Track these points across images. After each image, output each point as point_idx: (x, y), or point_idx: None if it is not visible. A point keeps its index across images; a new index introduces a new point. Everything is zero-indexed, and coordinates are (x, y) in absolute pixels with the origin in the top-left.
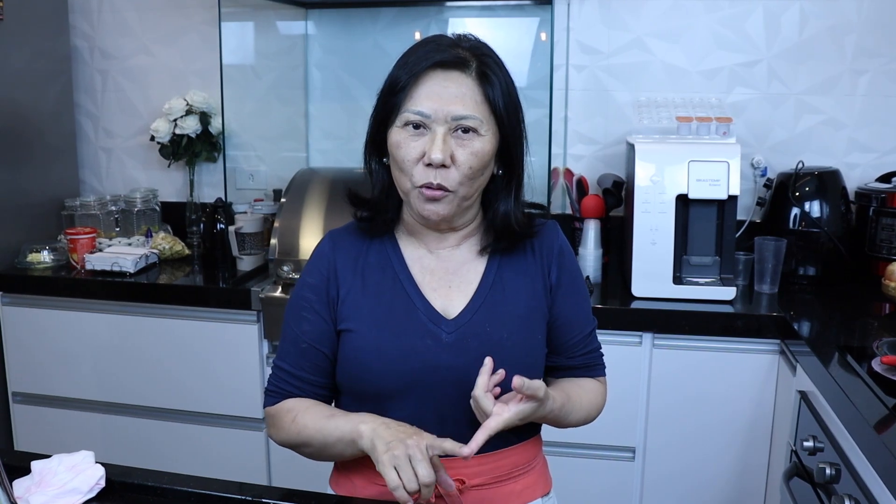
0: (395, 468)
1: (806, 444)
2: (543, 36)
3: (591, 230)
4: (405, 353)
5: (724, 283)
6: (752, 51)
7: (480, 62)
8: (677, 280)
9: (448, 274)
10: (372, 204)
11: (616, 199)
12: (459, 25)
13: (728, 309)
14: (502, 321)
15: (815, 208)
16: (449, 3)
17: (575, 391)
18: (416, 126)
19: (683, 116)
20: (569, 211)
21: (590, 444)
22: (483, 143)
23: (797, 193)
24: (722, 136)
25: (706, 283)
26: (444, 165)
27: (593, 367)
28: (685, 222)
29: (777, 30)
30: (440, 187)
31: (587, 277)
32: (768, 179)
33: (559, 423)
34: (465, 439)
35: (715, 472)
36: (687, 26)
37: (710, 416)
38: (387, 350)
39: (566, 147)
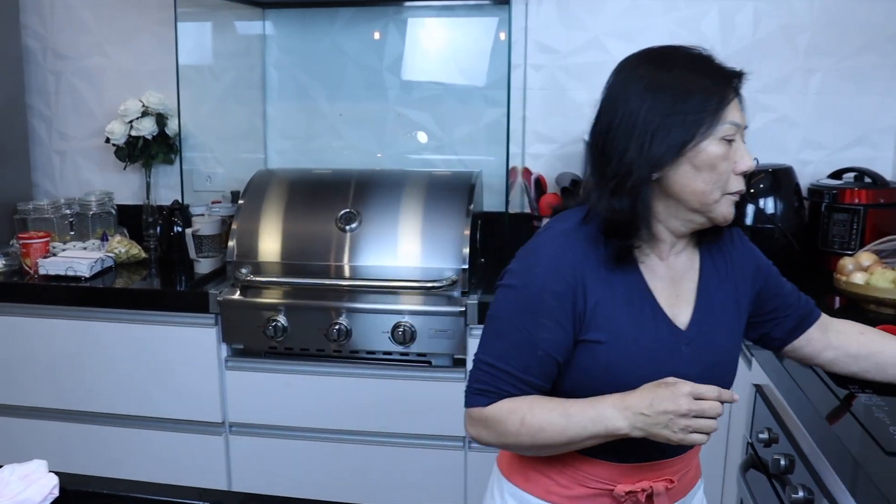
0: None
1: (761, 436)
2: (503, 35)
3: None
4: (655, 365)
5: None
6: (708, 49)
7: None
8: None
9: (674, 282)
10: (631, 227)
11: (574, 197)
12: (418, 25)
13: None
14: (723, 327)
15: (769, 205)
16: (408, 3)
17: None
18: (731, 136)
19: None
20: (527, 210)
21: None
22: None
23: (752, 190)
24: None
25: None
26: None
27: (812, 309)
28: None
29: (732, 30)
30: (739, 194)
31: None
32: None
33: None
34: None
35: None
36: (644, 26)
37: None
38: (639, 362)
39: (524, 146)
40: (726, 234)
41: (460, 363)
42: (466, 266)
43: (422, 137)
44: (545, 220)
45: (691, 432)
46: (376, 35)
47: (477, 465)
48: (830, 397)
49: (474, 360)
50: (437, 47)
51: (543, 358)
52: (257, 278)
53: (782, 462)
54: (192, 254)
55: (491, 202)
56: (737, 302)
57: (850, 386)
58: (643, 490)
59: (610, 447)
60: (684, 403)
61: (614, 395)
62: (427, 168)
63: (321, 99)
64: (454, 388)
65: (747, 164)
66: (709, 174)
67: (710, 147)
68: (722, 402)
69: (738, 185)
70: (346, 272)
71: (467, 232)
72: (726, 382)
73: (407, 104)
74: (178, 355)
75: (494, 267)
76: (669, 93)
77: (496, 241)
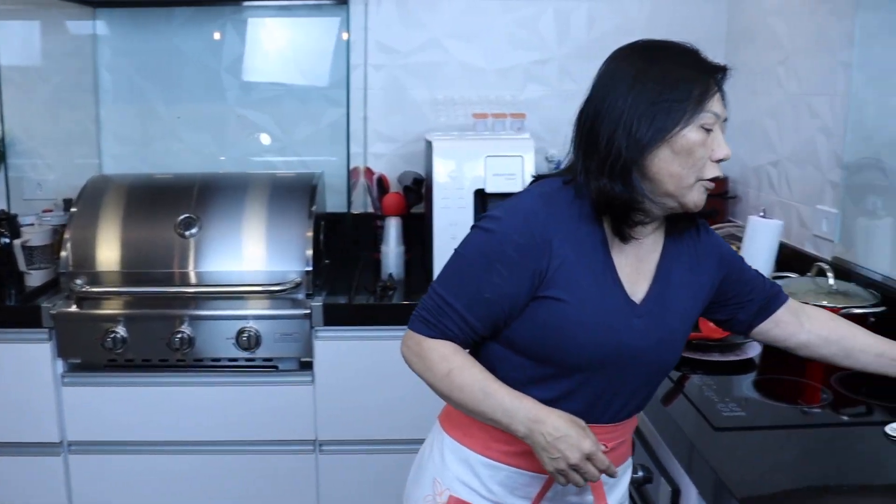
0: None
1: None
2: (345, 36)
3: (393, 228)
4: (606, 332)
5: None
6: (544, 50)
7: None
8: None
9: (638, 259)
10: (626, 207)
11: (416, 195)
12: (258, 25)
13: None
14: (676, 309)
15: None
16: (247, 3)
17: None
18: (710, 125)
19: (479, 113)
20: (370, 209)
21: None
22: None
23: None
24: (516, 131)
25: None
26: None
27: (777, 293)
28: None
29: (567, 30)
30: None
31: (390, 275)
32: None
33: None
34: (631, 405)
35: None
36: (482, 26)
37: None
38: (593, 326)
39: (366, 146)
40: (693, 227)
41: (307, 366)
42: (310, 268)
43: (264, 139)
44: (389, 220)
45: (560, 471)
46: (216, 35)
47: (328, 467)
48: (665, 380)
49: (430, 287)
50: (277, 47)
51: (490, 303)
52: (93, 289)
53: None
54: (22, 266)
55: (334, 203)
56: (694, 289)
57: (682, 368)
58: None
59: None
60: (575, 457)
61: (535, 403)
62: (269, 170)
63: (158, 101)
64: (302, 391)
65: (723, 153)
66: (686, 159)
67: (690, 134)
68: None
69: (714, 171)
70: (188, 279)
71: (310, 233)
72: (670, 361)
73: (247, 105)
74: (9, 374)
75: (339, 268)
76: (656, 82)
77: (340, 241)
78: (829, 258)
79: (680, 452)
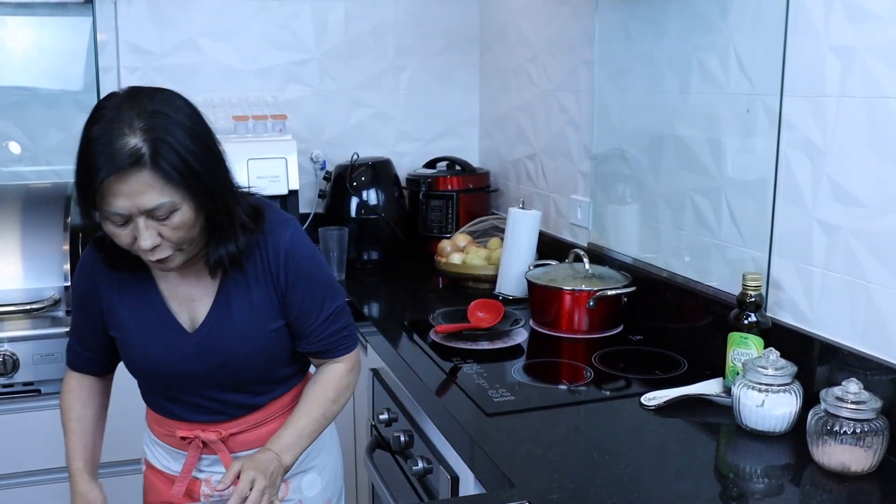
0: None
1: (381, 416)
2: (104, 37)
3: None
4: (163, 361)
5: None
6: (303, 49)
7: (154, 144)
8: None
9: (190, 288)
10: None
11: None
12: None
13: None
14: (235, 330)
15: (371, 196)
16: None
17: (309, 401)
18: (118, 221)
19: (239, 115)
20: None
21: None
22: (183, 214)
23: (354, 183)
24: (279, 132)
25: None
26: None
27: (333, 349)
28: None
29: (324, 30)
30: (161, 261)
31: None
32: (327, 172)
33: (325, 426)
34: (221, 408)
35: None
36: (238, 26)
37: None
38: (150, 357)
39: None
40: (261, 246)
41: None
42: (68, 283)
43: (14, 148)
44: None
45: None
46: None
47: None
48: (438, 372)
49: None
50: (21, 48)
51: (88, 336)
52: None
53: (402, 439)
54: None
55: None
56: (256, 307)
57: (453, 359)
58: (196, 437)
59: (168, 412)
60: None
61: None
62: (20, 181)
63: None
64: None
65: (145, 245)
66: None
67: (105, 224)
68: None
69: (145, 256)
70: None
71: (66, 247)
72: (241, 377)
73: None
74: None
75: None
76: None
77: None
78: (584, 244)
79: (456, 441)
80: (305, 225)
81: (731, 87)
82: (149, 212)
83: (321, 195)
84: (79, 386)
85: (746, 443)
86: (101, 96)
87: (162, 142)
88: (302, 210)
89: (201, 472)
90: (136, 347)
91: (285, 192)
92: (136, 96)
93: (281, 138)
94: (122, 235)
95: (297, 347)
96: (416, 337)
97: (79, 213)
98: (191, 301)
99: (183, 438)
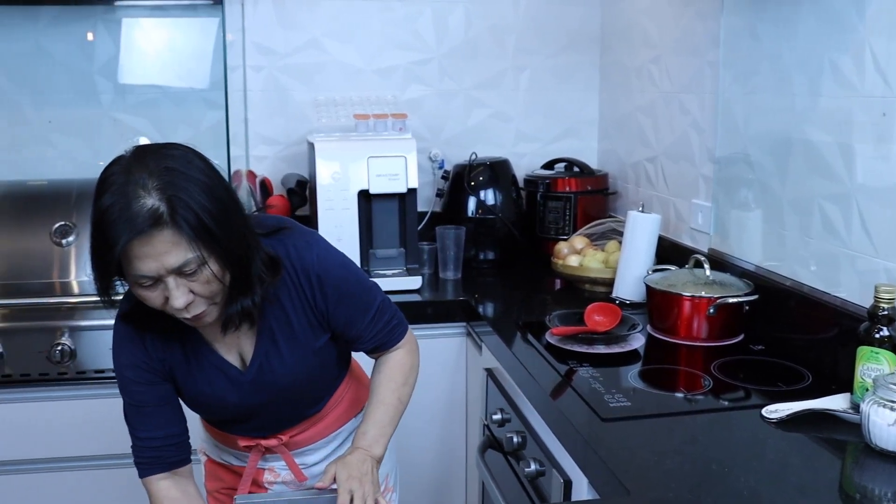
0: None
1: (495, 417)
2: (224, 37)
3: None
4: (223, 398)
5: (410, 273)
6: (423, 49)
7: (171, 202)
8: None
9: (230, 333)
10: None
11: (301, 198)
12: (133, 26)
13: (416, 297)
14: (286, 366)
15: (489, 196)
16: (119, 3)
17: (381, 391)
18: (147, 283)
19: (361, 114)
20: (254, 212)
21: None
22: (212, 267)
23: (472, 183)
24: (398, 131)
25: (393, 275)
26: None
27: (387, 342)
28: (369, 217)
29: (445, 30)
30: (196, 317)
31: None
32: (445, 171)
33: (402, 410)
34: (282, 425)
35: (418, 453)
36: (360, 26)
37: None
38: (211, 398)
39: (248, 149)
40: (291, 274)
41: None
42: None
43: (143, 143)
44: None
45: None
46: (89, 36)
47: None
48: (553, 374)
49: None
50: (153, 49)
51: (156, 415)
52: None
53: (515, 440)
54: None
55: None
56: (298, 334)
57: (569, 361)
58: (257, 445)
59: (227, 430)
60: None
61: None
62: None
63: (26, 105)
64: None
65: (178, 304)
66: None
67: (134, 289)
68: None
69: (177, 314)
70: (67, 289)
71: None
72: (299, 398)
73: (123, 109)
74: None
75: None
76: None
77: None
78: (705, 250)
79: (570, 445)
80: (422, 224)
81: (866, 89)
82: (177, 270)
83: (439, 194)
84: (168, 497)
85: (876, 463)
86: (229, 94)
87: (178, 199)
88: (420, 209)
89: (266, 462)
90: (196, 390)
91: (404, 190)
92: (143, 157)
93: (401, 137)
94: (152, 297)
95: (351, 349)
96: (531, 338)
97: (97, 290)
98: (236, 339)
99: (244, 447)
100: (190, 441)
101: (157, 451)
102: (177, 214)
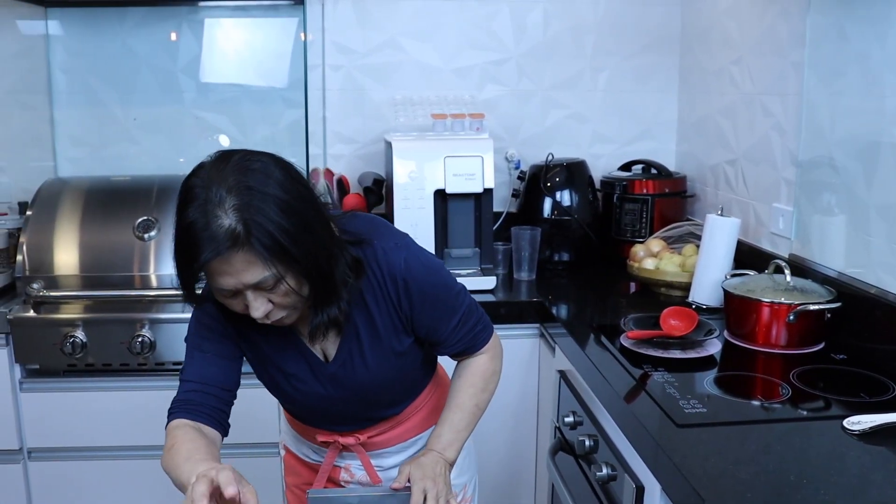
0: None
1: (567, 419)
2: (304, 36)
3: None
4: (305, 388)
5: (484, 273)
6: (501, 49)
7: (247, 225)
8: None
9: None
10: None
11: (377, 196)
12: (215, 26)
13: (490, 298)
14: (367, 357)
15: (565, 197)
16: (202, 3)
17: (460, 395)
18: (227, 294)
19: (438, 114)
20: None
21: None
22: (289, 283)
23: (548, 184)
24: (475, 131)
25: (468, 275)
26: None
27: (471, 347)
28: (444, 216)
29: (523, 30)
30: (277, 321)
31: None
32: (521, 172)
33: (479, 415)
34: (359, 423)
35: (488, 453)
36: (438, 26)
37: None
38: (293, 386)
39: (325, 147)
40: (378, 276)
41: None
42: None
43: (224, 141)
44: None
45: None
46: (173, 36)
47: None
48: (627, 378)
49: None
50: (234, 48)
51: (212, 367)
52: (51, 293)
53: (587, 443)
54: None
55: None
56: (382, 337)
57: (644, 366)
58: (335, 441)
59: (307, 421)
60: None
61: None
62: None
63: (113, 103)
64: (265, 393)
65: (258, 315)
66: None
67: (216, 294)
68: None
69: (262, 321)
70: (148, 282)
71: None
72: (377, 400)
73: (204, 107)
74: None
75: None
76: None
77: None
78: (785, 255)
79: (643, 450)
80: (497, 224)
81: None
82: (255, 286)
83: (515, 194)
84: (185, 434)
85: None
86: (308, 93)
87: (254, 221)
88: (495, 209)
89: (342, 460)
90: (280, 379)
91: (480, 190)
92: (223, 169)
93: (478, 137)
94: (233, 304)
95: (436, 353)
96: (605, 340)
97: (182, 294)
98: (322, 336)
99: (322, 442)
100: (229, 408)
101: (189, 394)
102: (251, 236)
